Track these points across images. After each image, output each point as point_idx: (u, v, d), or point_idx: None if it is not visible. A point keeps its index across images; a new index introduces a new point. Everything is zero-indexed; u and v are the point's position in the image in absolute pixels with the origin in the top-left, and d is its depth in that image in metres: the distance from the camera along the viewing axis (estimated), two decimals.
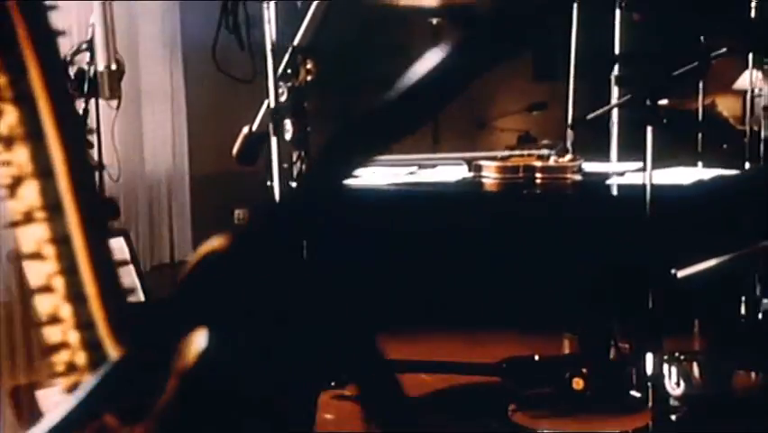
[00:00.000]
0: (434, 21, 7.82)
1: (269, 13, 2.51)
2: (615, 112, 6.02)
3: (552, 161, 4.13)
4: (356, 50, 7.57)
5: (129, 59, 7.27)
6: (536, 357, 4.34)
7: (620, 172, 4.16)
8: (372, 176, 4.32)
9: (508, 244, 3.74)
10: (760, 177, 4.05)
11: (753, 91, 9.64)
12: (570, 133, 5.91)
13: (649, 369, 3.04)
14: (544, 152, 4.24)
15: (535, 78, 9.14)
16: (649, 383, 2.90)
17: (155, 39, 7.44)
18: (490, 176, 4.10)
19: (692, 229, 3.71)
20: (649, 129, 2.57)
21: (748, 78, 10.68)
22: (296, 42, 3.09)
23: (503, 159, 4.17)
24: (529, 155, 4.27)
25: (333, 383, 4.53)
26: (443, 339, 5.36)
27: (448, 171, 4.36)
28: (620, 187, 3.89)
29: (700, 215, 3.76)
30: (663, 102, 2.78)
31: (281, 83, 3.13)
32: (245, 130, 3.26)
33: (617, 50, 6.34)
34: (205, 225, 7.31)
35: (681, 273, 3.51)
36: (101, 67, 3.08)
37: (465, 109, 8.53)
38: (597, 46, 6.38)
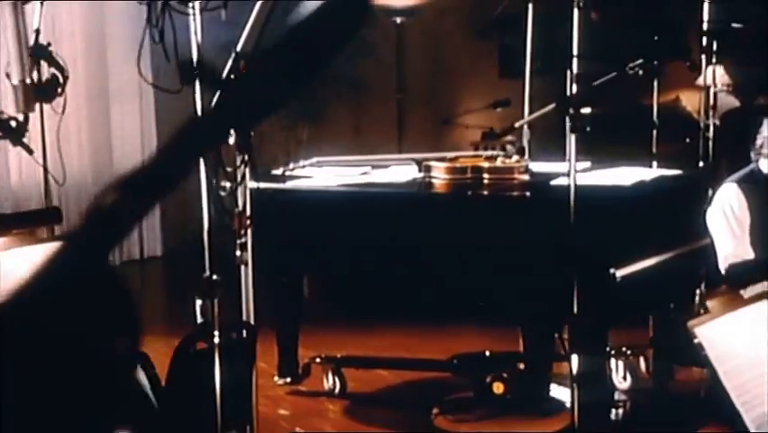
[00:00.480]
0: (399, 20, 7.84)
1: (196, 24, 2.50)
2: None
3: (499, 162, 4.15)
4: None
5: (97, 60, 7.27)
6: (487, 353, 4.37)
7: (566, 173, 4.18)
8: (325, 177, 4.34)
9: (454, 242, 3.76)
10: (699, 177, 4.09)
11: (715, 86, 9.69)
12: (526, 131, 5.94)
13: (575, 369, 3.06)
14: (493, 152, 4.25)
15: (501, 75, 9.17)
16: (575, 384, 2.92)
17: (123, 39, 7.40)
18: (439, 176, 4.12)
19: (632, 229, 3.74)
20: (572, 137, 2.60)
21: (711, 75, 10.71)
22: (238, 48, 3.08)
23: (452, 160, 4.19)
24: (477, 156, 4.29)
25: (288, 379, 4.56)
26: (404, 334, 5.39)
27: (400, 172, 4.37)
28: (560, 188, 3.91)
29: (640, 215, 3.80)
30: (587, 110, 2.81)
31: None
32: None
33: (574, 49, 6.38)
34: (174, 223, 7.33)
35: (619, 273, 3.54)
36: (15, 80, 3.01)
37: (430, 106, 8.56)
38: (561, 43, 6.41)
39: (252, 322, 3.15)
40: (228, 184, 3.19)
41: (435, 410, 3.76)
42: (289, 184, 4.14)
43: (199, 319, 2.44)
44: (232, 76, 3.17)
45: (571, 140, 2.67)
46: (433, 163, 4.15)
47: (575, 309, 3.87)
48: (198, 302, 2.45)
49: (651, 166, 5.15)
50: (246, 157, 3.21)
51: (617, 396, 4.15)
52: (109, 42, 7.29)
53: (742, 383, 2.06)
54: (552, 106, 2.87)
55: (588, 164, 4.56)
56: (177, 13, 2.40)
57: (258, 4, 3.09)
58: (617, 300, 3.58)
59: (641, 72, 2.89)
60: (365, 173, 4.42)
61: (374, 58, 7.87)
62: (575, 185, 3.03)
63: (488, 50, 8.58)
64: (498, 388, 3.63)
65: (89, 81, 7.16)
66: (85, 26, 7.10)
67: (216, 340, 2.36)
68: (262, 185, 4.17)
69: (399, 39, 7.95)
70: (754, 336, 2.17)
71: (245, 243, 3.21)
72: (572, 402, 2.47)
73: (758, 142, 3.65)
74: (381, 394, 4.54)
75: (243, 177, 3.21)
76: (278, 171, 4.42)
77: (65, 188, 7.04)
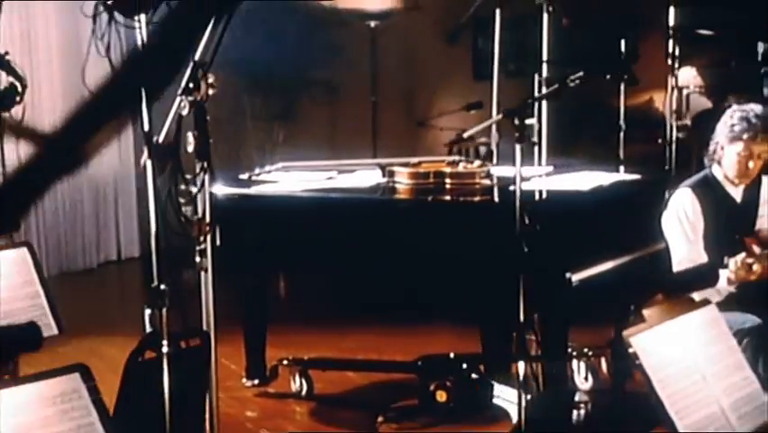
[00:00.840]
0: (372, 24, 7.83)
1: (142, 36, 2.49)
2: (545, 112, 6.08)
3: (461, 167, 4.16)
4: (297, 52, 7.56)
5: (73, 59, 7.22)
6: (451, 355, 4.37)
7: (527, 177, 4.20)
8: (290, 182, 4.33)
9: (412, 245, 3.76)
10: (657, 181, 4.10)
11: (688, 88, 9.76)
12: (495, 135, 5.95)
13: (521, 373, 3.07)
14: (455, 158, 4.27)
15: (475, 77, 9.18)
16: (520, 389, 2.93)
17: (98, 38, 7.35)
18: (402, 181, 4.13)
19: (590, 233, 3.76)
20: (518, 147, 2.60)
21: (684, 76, 10.76)
22: (196, 57, 3.07)
23: (415, 165, 4.20)
24: (440, 161, 4.29)
25: (256, 381, 4.56)
26: (377, 335, 5.39)
27: (365, 176, 4.38)
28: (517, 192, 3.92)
29: (598, 219, 3.81)
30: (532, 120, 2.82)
31: (183, 97, 3.12)
32: (155, 138, 3.24)
33: (544, 54, 6.40)
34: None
35: (576, 277, 3.55)
36: None
37: (405, 108, 8.57)
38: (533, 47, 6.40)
39: (212, 327, 3.15)
40: (194, 189, 3.19)
41: (380, 418, 3.76)
42: (254, 189, 4.13)
43: (148, 329, 2.44)
44: (191, 85, 3.18)
45: (516, 150, 2.68)
46: (396, 168, 4.16)
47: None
48: (147, 312, 2.45)
49: (619, 168, 5.19)
50: (205, 164, 3.21)
51: (578, 397, 4.17)
52: (84, 42, 7.25)
53: (675, 392, 2.08)
54: (498, 117, 2.87)
55: (550, 168, 4.59)
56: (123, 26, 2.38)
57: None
58: (574, 304, 3.60)
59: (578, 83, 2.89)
60: (331, 178, 4.42)
61: (348, 61, 7.87)
62: (521, 192, 3.04)
63: (462, 53, 8.58)
64: (441, 396, 3.64)
65: (65, 80, 7.12)
66: (60, 26, 7.08)
67: (165, 349, 2.36)
68: (227, 190, 4.19)
69: (373, 42, 7.95)
70: (686, 345, 2.19)
71: (205, 249, 3.21)
72: (519, 406, 2.48)
73: (711, 147, 3.67)
74: (348, 396, 4.54)
75: (203, 184, 3.21)
76: (245, 176, 4.42)
77: None
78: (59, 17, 7.03)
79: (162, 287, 2.47)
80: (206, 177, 3.21)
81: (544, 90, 4.96)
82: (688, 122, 9.91)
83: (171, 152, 3.24)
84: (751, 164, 3.55)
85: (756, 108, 3.56)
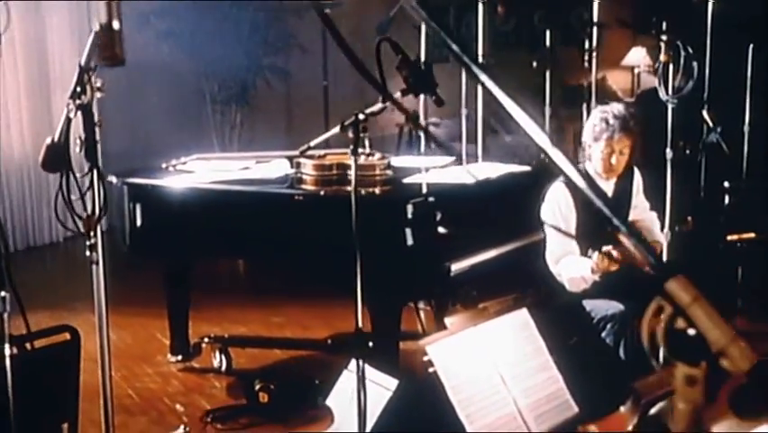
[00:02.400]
0: (327, 11, 7.73)
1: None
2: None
3: (362, 160, 4.12)
4: (252, 39, 7.49)
5: (36, 50, 7.16)
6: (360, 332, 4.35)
7: (425, 169, 4.16)
8: (205, 172, 4.29)
9: (311, 232, 3.71)
10: (544, 173, 4.05)
11: (639, 67, 9.63)
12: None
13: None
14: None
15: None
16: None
17: (62, 28, 7.30)
18: (308, 172, 4.08)
19: (474, 223, 3.73)
20: (353, 159, 2.56)
21: (635, 56, 10.65)
22: (82, 62, 3.03)
23: (320, 157, 4.15)
24: (344, 153, 4.24)
25: (179, 357, 4.56)
26: (305, 312, 5.38)
27: (279, 166, 4.34)
28: (411, 185, 3.89)
29: (482, 210, 3.78)
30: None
31: (71, 101, 3.08)
32: (48, 140, 3.22)
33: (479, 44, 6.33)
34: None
35: (455, 266, 3.52)
36: None
37: (356, 92, 8.49)
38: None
39: (105, 318, 3.13)
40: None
41: (209, 418, 3.74)
42: (165, 180, 4.09)
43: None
44: (78, 89, 3.13)
45: (352, 161, 2.64)
46: (302, 160, 4.11)
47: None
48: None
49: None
50: (92, 165, 3.18)
51: None
52: (49, 32, 7.19)
53: (468, 397, 2.06)
54: (336, 129, 2.83)
55: (451, 159, 4.55)
56: None
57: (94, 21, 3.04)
58: (453, 291, 3.57)
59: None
60: (246, 168, 4.39)
61: (301, 47, 7.80)
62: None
63: (414, 37, 8.50)
64: (263, 397, 3.63)
65: (29, 71, 7.07)
66: (23, 16, 7.00)
67: (7, 352, 2.34)
68: (138, 180, 4.16)
69: (327, 28, 7.86)
70: (489, 349, 2.17)
71: (95, 244, 3.19)
72: (359, 401, 2.45)
73: (582, 146, 3.63)
74: (266, 371, 4.54)
75: (92, 182, 3.18)
76: (164, 165, 4.39)
77: (6, 171, 6.99)
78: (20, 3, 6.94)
79: (3, 294, 2.45)
80: (96, 176, 3.18)
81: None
82: (632, 99, 9.86)
83: (62, 152, 3.22)
84: (613, 160, 3.54)
85: (615, 109, 3.54)
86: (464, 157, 5.21)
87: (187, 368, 4.54)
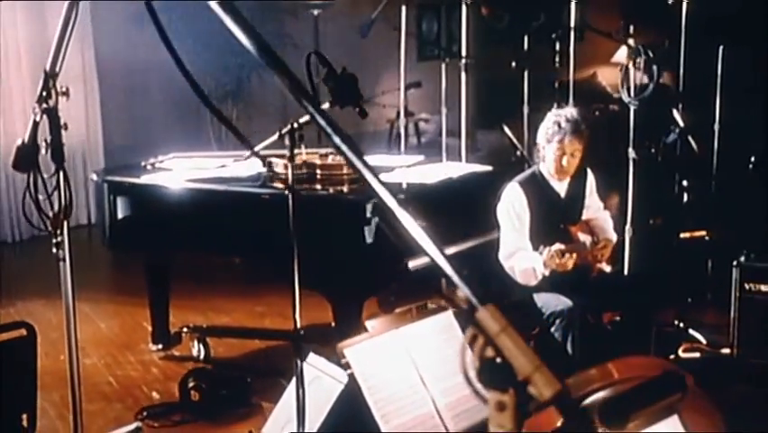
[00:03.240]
0: (316, 12, 7.73)
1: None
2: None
3: (330, 159, 4.12)
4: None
5: (40, 48, 7.18)
6: (332, 324, 4.36)
7: (391, 168, 4.16)
8: (182, 170, 4.30)
9: (270, 228, 3.71)
10: (503, 173, 4.03)
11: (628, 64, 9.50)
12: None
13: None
14: (328, 150, 4.21)
15: (419, 59, 9.09)
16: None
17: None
18: (279, 171, 4.08)
19: (434, 221, 3.72)
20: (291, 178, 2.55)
21: (624, 54, 10.58)
22: (47, 68, 3.04)
23: (322, 156, 4.17)
24: (314, 153, 4.24)
25: (160, 346, 4.59)
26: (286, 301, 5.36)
27: (251, 165, 4.35)
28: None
29: (442, 209, 3.77)
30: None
31: (37, 105, 3.09)
32: (18, 142, 3.25)
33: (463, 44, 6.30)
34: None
35: (412, 263, 3.52)
36: None
37: None
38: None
39: (72, 313, 3.15)
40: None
41: (142, 415, 3.74)
42: (143, 178, 4.11)
43: None
44: (44, 93, 3.15)
45: (289, 170, 2.64)
46: (273, 159, 4.11)
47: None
48: None
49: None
50: (57, 166, 3.19)
51: None
52: (52, 31, 7.19)
53: (384, 397, 2.06)
54: (275, 136, 2.82)
55: (421, 158, 4.55)
56: None
57: (59, 26, 3.05)
58: (412, 286, 3.57)
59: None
60: (223, 166, 4.39)
61: (295, 45, 7.78)
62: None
63: (408, 36, 8.48)
64: (195, 396, 3.63)
65: (34, 67, 7.09)
66: (27, 16, 7.02)
67: None
68: (117, 178, 4.18)
69: (316, 28, 7.85)
70: (409, 351, 2.17)
71: (62, 241, 3.21)
72: (298, 396, 2.45)
73: (537, 147, 3.62)
74: (241, 360, 4.55)
75: (58, 183, 3.19)
76: (143, 164, 4.40)
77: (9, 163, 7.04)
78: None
79: None
80: (61, 177, 3.20)
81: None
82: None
83: (31, 154, 3.25)
84: (564, 161, 3.53)
85: (568, 113, 3.52)
86: (444, 154, 5.23)
87: (168, 356, 4.57)
